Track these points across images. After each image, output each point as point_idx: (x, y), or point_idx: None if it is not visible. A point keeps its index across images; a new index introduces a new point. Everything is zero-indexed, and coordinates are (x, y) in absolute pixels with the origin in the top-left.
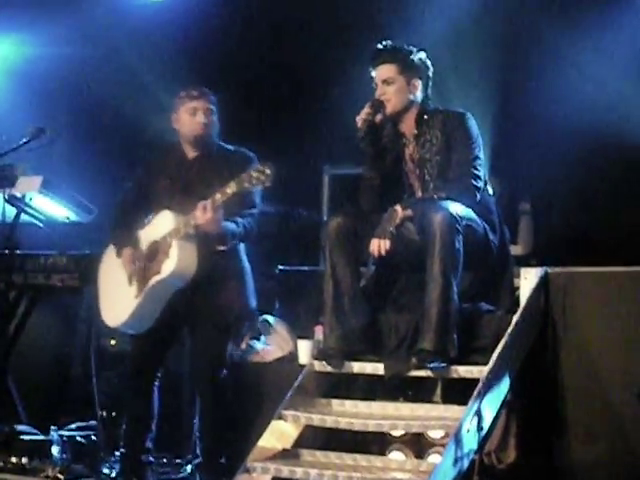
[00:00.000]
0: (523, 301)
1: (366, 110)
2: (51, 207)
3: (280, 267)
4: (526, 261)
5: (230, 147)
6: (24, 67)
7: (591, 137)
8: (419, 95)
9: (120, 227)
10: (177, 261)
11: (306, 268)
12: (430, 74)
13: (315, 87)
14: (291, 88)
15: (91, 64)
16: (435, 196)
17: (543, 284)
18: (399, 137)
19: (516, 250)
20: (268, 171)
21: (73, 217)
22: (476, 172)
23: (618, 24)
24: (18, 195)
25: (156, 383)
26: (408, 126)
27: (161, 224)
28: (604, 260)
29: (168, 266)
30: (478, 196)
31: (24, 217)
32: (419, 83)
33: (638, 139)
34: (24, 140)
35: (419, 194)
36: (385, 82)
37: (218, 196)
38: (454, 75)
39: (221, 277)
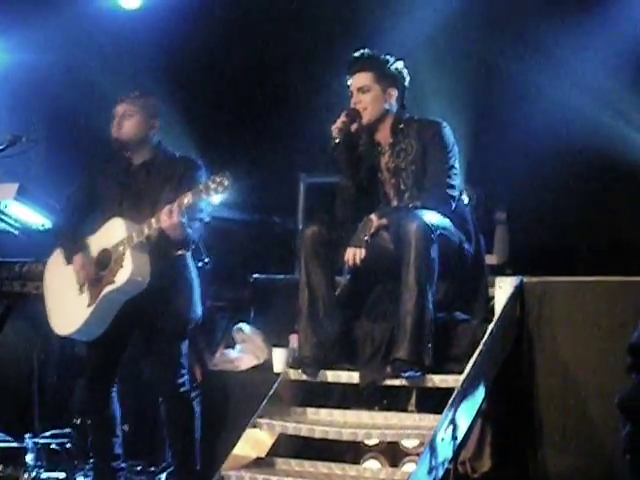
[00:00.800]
0: (498, 310)
1: (342, 119)
2: (27, 214)
3: (255, 275)
4: (501, 270)
5: (176, 153)
6: (1, 73)
7: (567, 147)
8: (395, 104)
9: (68, 232)
10: (132, 270)
11: (281, 276)
12: (406, 84)
13: (291, 96)
14: (267, 96)
15: (68, 71)
16: (410, 205)
17: (518, 293)
18: (374, 146)
19: (492, 259)
20: (226, 182)
21: (49, 225)
22: (451, 181)
23: (597, 34)
24: None
25: (114, 388)
26: (383, 135)
27: (112, 231)
28: (579, 270)
29: (122, 275)
30: (453, 205)
31: None
32: (395, 92)
33: (614, 149)
34: (0, 147)
35: (394, 203)
36: (360, 90)
37: (180, 202)
38: (430, 85)
39: (171, 286)
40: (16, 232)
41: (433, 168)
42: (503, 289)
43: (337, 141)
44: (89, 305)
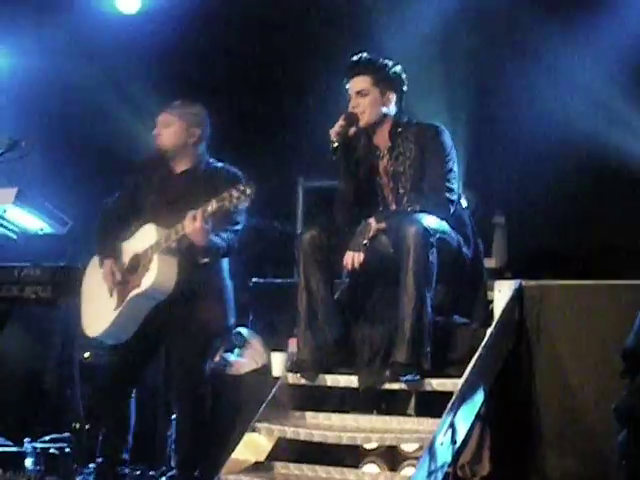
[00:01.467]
0: (497, 314)
1: (340, 123)
2: (25, 219)
3: (254, 280)
4: (500, 274)
5: (219, 164)
6: (0, 78)
7: (565, 151)
8: (393, 108)
9: (105, 237)
10: (156, 275)
11: (280, 281)
12: (405, 88)
13: (290, 100)
14: (265, 101)
15: (67, 76)
16: (409, 209)
17: (517, 297)
18: (373, 150)
19: (490, 263)
20: (248, 191)
21: (47, 229)
22: (450, 185)
23: (595, 38)
24: None
25: (132, 395)
26: (382, 139)
27: (144, 237)
28: (578, 273)
29: (147, 280)
30: (452, 209)
31: None
32: (393, 96)
33: (612, 153)
34: None
35: (393, 207)
36: (359, 94)
37: (203, 210)
38: (427, 88)
39: (202, 293)
40: (15, 237)
41: (431, 172)
42: (502, 293)
43: (335, 145)
44: (116, 308)
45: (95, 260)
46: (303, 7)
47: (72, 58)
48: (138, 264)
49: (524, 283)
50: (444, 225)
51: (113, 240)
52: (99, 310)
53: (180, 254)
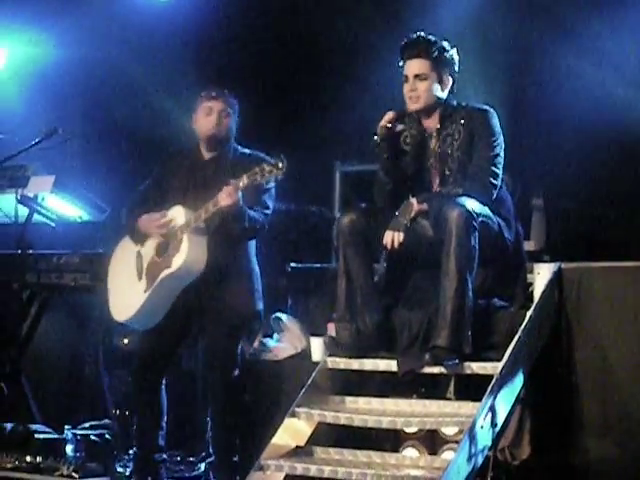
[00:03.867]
0: (536, 297)
1: (388, 118)
2: (63, 207)
3: (292, 265)
4: (539, 257)
5: (247, 150)
6: (37, 67)
7: (604, 132)
8: (447, 90)
9: (134, 219)
10: (187, 254)
11: (318, 265)
12: (457, 70)
13: (326, 84)
14: (302, 85)
15: (104, 64)
16: (452, 192)
17: (556, 279)
18: (422, 132)
19: (529, 246)
20: (280, 164)
21: (85, 216)
22: (495, 170)
23: (635, 16)
24: (31, 195)
25: (163, 380)
26: (432, 122)
27: (173, 218)
28: (617, 255)
29: (178, 260)
30: (494, 194)
31: (37, 217)
32: (449, 80)
33: None
34: (37, 140)
35: (437, 189)
36: (417, 77)
37: (239, 183)
38: (466, 70)
39: (230, 276)
40: (53, 224)
41: (478, 156)
42: (541, 275)
43: (379, 140)
44: (146, 290)
45: (122, 244)
46: None
47: (108, 47)
48: (168, 245)
49: (563, 265)
50: (485, 208)
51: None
52: (128, 294)
53: (209, 234)
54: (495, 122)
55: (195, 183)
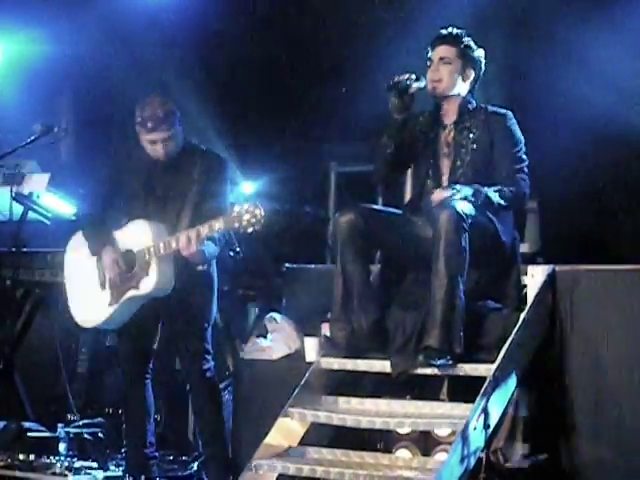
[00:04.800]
0: (530, 299)
1: (406, 75)
2: (58, 204)
3: (287, 265)
4: (533, 259)
5: (202, 147)
6: (32, 65)
7: (599, 134)
8: (467, 87)
9: (94, 222)
10: (156, 281)
11: (313, 266)
12: (481, 74)
13: (322, 85)
14: (298, 86)
15: (99, 61)
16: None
17: (550, 282)
18: (439, 121)
19: (523, 248)
20: (258, 213)
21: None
22: (525, 177)
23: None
24: (25, 193)
25: (147, 377)
26: (449, 114)
27: (137, 234)
28: (611, 258)
29: (147, 284)
30: (524, 199)
31: (31, 215)
32: (472, 74)
33: None
34: (32, 138)
35: (445, 177)
36: (442, 60)
37: (204, 230)
38: None
39: (193, 288)
40: (48, 222)
41: (509, 163)
42: (535, 278)
43: (387, 87)
44: (110, 304)
45: (78, 240)
46: None
47: (104, 45)
48: (133, 263)
49: (557, 268)
50: (477, 211)
51: (105, 226)
52: (91, 302)
53: (176, 260)
54: (516, 126)
55: (152, 186)
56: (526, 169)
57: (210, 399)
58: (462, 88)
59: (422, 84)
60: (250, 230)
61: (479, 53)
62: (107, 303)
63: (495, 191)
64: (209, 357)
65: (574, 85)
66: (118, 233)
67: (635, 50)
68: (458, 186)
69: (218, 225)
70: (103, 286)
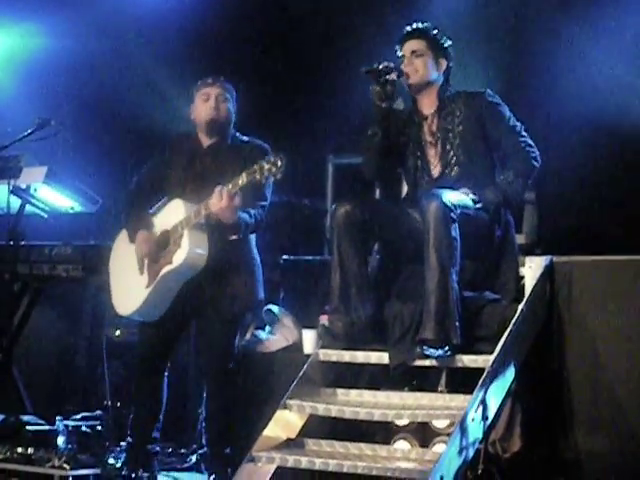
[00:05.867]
0: (528, 290)
1: (385, 63)
2: (56, 198)
3: (284, 257)
4: (531, 250)
5: (245, 138)
6: (30, 58)
7: (597, 126)
8: (441, 76)
9: (133, 212)
10: (188, 251)
11: (310, 258)
12: (451, 63)
13: (319, 76)
14: (295, 77)
15: (96, 55)
16: (502, 178)
17: (548, 273)
18: (417, 113)
19: (521, 239)
20: (279, 162)
21: (78, 207)
22: (527, 140)
23: (625, 11)
24: (23, 186)
25: (165, 373)
26: (427, 104)
27: (172, 213)
28: (609, 249)
29: (179, 256)
30: (538, 162)
31: (29, 208)
32: (445, 63)
33: None
34: (29, 131)
35: (437, 166)
36: (414, 53)
37: (234, 184)
38: (458, 64)
39: (232, 268)
40: (45, 215)
41: (509, 136)
42: (533, 269)
43: (369, 68)
44: (147, 286)
45: (122, 237)
46: None
47: (101, 38)
48: (168, 240)
49: (555, 259)
50: (469, 201)
51: (141, 214)
52: (130, 288)
53: (210, 229)
54: (498, 99)
55: (194, 172)
56: (525, 132)
57: (227, 398)
58: (437, 74)
59: (397, 73)
60: (272, 179)
61: (448, 42)
62: (145, 285)
63: (506, 183)
64: (235, 355)
65: (572, 78)
66: (155, 218)
67: (632, 45)
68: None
69: (241, 180)
70: (141, 271)
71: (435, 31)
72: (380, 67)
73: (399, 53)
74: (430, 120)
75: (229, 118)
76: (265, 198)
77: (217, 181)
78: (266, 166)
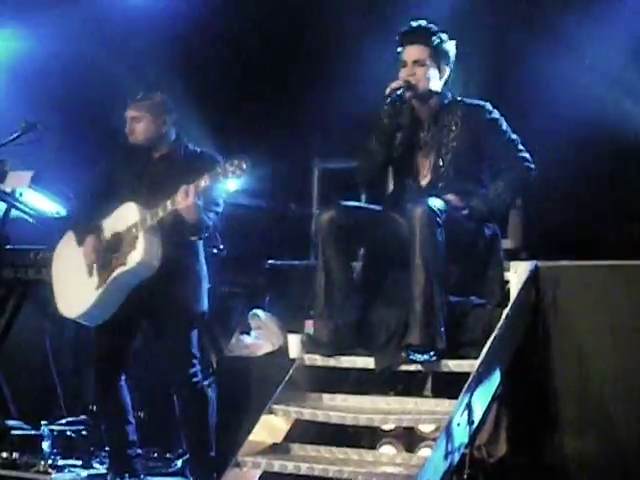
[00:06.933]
0: (513, 295)
1: (400, 81)
2: (41, 202)
3: (270, 261)
4: (516, 255)
5: (197, 149)
6: (15, 62)
7: (582, 131)
8: (443, 82)
9: (82, 215)
10: (143, 252)
11: (296, 262)
12: (453, 63)
13: (304, 81)
14: (280, 82)
15: (82, 59)
16: (493, 189)
17: (533, 278)
18: (415, 121)
19: (506, 244)
20: (244, 165)
21: (63, 212)
22: (524, 153)
23: (615, 15)
24: (8, 190)
25: (122, 376)
26: (426, 111)
27: (124, 216)
28: (594, 254)
29: (134, 257)
30: (533, 173)
31: (14, 212)
32: (447, 71)
33: (630, 133)
34: (15, 135)
35: (428, 177)
36: (416, 62)
37: (197, 184)
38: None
39: (180, 275)
40: (31, 219)
41: (506, 151)
42: (518, 274)
43: (389, 92)
44: (98, 287)
45: (68, 239)
46: None
47: (87, 41)
48: (121, 242)
49: (540, 264)
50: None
51: (91, 218)
52: (77, 290)
53: (168, 231)
54: (496, 113)
55: (148, 182)
56: (521, 146)
57: (196, 402)
58: (438, 85)
59: (411, 90)
60: (235, 182)
61: (451, 46)
62: (94, 287)
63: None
64: (195, 361)
65: (557, 84)
66: (106, 221)
67: (623, 47)
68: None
69: (204, 181)
70: (90, 273)
71: (439, 37)
72: (397, 88)
73: (401, 55)
74: (426, 128)
75: (151, 135)
76: (217, 203)
77: (169, 187)
78: (229, 168)
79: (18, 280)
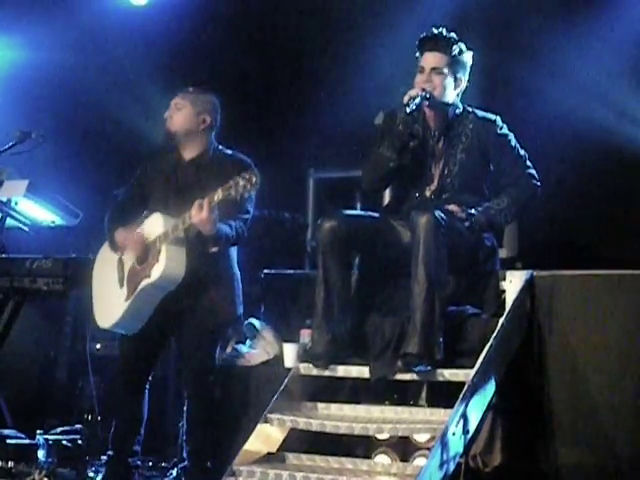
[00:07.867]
0: (509, 304)
1: (416, 91)
2: (37, 211)
3: (265, 271)
4: (511, 264)
5: (228, 151)
6: (9, 71)
7: (577, 139)
8: (458, 92)
9: (115, 225)
10: (165, 265)
11: (291, 272)
12: (469, 74)
13: (300, 90)
14: (276, 91)
15: (77, 68)
16: (496, 203)
17: (529, 287)
18: (426, 129)
19: (501, 253)
20: (254, 179)
21: (59, 221)
22: (531, 170)
23: (610, 22)
24: (3, 199)
25: (147, 386)
26: (438, 120)
27: (152, 227)
28: (589, 263)
29: (157, 270)
30: (538, 190)
31: (9, 221)
32: (463, 82)
33: (626, 141)
34: (10, 144)
35: (434, 187)
36: (434, 70)
37: (210, 198)
38: None
39: (211, 281)
40: (26, 229)
41: (513, 167)
42: (513, 283)
43: (408, 110)
44: (127, 299)
45: (104, 251)
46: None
47: (83, 51)
48: (147, 254)
49: (535, 273)
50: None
51: (124, 226)
52: (110, 301)
53: (188, 243)
54: (506, 129)
55: (177, 186)
56: (529, 163)
57: (207, 411)
58: (452, 95)
59: (430, 99)
60: (246, 195)
61: (469, 57)
62: (124, 298)
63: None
64: (215, 370)
65: (554, 92)
66: (137, 230)
67: (614, 58)
68: (473, 210)
69: (217, 196)
70: (121, 283)
71: (459, 46)
72: (416, 96)
73: (419, 61)
74: (437, 139)
75: (187, 127)
76: (246, 211)
77: (199, 194)
78: (241, 182)
79: (14, 289)
